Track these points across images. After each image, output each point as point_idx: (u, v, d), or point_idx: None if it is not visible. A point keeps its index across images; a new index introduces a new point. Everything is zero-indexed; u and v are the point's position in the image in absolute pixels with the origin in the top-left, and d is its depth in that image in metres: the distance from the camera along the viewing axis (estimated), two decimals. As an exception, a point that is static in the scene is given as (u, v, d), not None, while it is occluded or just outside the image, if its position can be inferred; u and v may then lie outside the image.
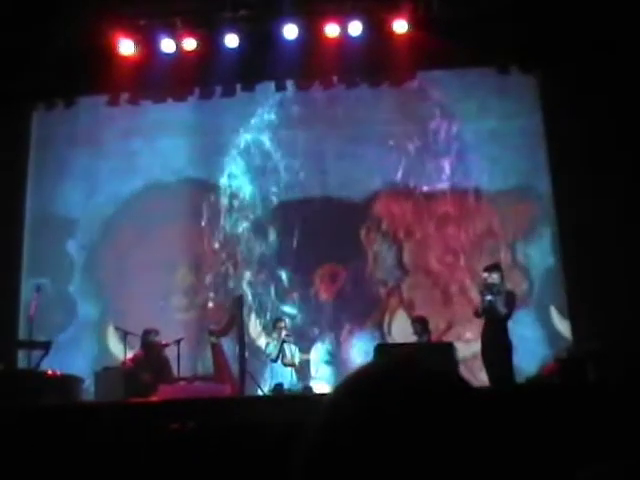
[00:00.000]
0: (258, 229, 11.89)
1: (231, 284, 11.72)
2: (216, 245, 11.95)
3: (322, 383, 10.41)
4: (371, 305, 11.47)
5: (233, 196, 12.08)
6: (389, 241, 11.69)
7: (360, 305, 11.45)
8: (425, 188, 11.78)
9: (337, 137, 12.06)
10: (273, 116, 12.31)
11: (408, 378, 0.97)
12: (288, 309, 11.32)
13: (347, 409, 0.95)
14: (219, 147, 12.28)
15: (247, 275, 11.75)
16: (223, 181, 12.17)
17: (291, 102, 12.35)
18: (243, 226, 11.94)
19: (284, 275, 11.67)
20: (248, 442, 6.08)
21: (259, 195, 12.04)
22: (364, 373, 1.00)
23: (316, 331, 11.35)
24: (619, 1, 10.72)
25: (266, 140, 12.22)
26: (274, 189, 11.99)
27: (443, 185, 11.78)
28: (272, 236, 11.80)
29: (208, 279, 11.81)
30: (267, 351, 10.14)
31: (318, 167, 11.99)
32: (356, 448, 0.91)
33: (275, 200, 11.98)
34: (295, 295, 11.59)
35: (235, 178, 12.15)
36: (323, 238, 11.60)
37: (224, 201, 12.08)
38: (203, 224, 11.99)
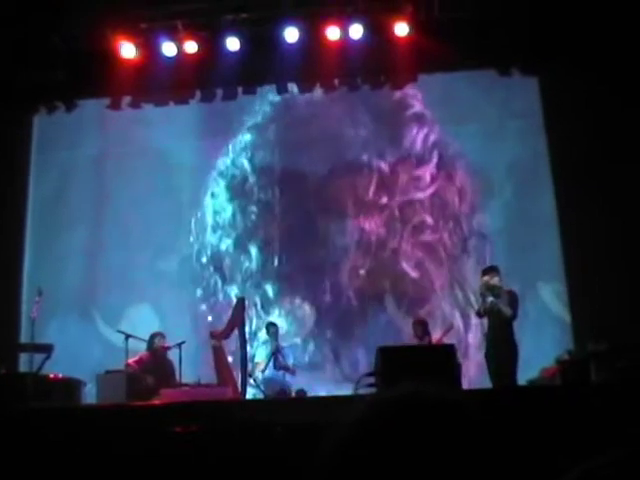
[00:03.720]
0: (240, 245, 12.12)
1: (220, 296, 11.91)
2: (204, 260, 12.09)
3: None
4: (353, 314, 11.62)
5: (216, 213, 12.30)
6: (365, 250, 11.84)
7: (342, 314, 11.61)
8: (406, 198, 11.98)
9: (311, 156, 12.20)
10: (249, 137, 12.48)
11: (422, 405, 1.09)
12: (274, 320, 11.35)
13: (372, 427, 1.07)
14: (203, 166, 12.45)
15: (234, 289, 11.91)
16: (207, 200, 12.34)
17: (269, 121, 12.51)
18: (227, 242, 12.18)
19: (269, 288, 11.86)
20: (250, 445, 6.08)
21: (239, 213, 12.26)
22: (388, 398, 1.12)
23: (299, 340, 11.54)
24: (619, 1, 10.74)
25: (245, 161, 12.40)
26: (253, 208, 12.19)
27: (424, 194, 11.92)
28: (254, 251, 12.03)
29: (198, 292, 11.96)
30: (256, 360, 10.21)
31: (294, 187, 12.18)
32: (377, 457, 1.03)
33: (254, 217, 12.19)
34: (280, 307, 11.78)
35: (217, 197, 12.35)
36: (305, 252, 11.86)
37: (209, 219, 12.28)
38: (191, 239, 12.18)
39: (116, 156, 12.41)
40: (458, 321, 11.28)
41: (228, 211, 12.31)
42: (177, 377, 9.54)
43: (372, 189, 12.03)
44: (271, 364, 9.94)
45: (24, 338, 10.68)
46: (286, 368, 10.09)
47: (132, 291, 11.84)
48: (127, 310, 11.64)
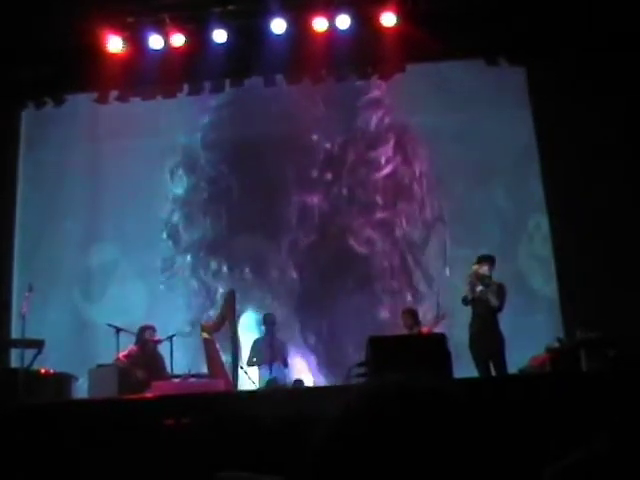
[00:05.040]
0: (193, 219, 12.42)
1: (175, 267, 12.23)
2: (164, 235, 12.34)
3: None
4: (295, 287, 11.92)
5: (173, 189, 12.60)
6: (308, 226, 12.13)
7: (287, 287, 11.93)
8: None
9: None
10: (206, 119, 12.64)
11: (409, 394, 1.12)
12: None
13: (361, 416, 1.12)
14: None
15: (188, 259, 12.22)
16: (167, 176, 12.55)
17: (226, 102, 12.65)
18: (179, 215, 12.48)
19: (217, 261, 12.19)
20: (242, 437, 6.09)
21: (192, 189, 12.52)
22: (374, 388, 1.17)
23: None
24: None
25: (197, 141, 12.62)
26: (203, 184, 12.50)
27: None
28: (205, 225, 12.38)
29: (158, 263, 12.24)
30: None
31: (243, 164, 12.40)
32: (365, 441, 1.08)
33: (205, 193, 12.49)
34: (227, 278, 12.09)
35: (174, 174, 12.59)
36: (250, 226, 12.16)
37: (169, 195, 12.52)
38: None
39: (105, 149, 12.41)
40: (410, 302, 11.48)
41: (182, 187, 12.54)
42: (167, 370, 9.56)
43: (318, 167, 12.26)
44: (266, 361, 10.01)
45: (15, 334, 10.67)
46: (284, 362, 10.20)
47: (121, 281, 11.91)
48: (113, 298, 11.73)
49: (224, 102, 12.59)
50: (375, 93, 12.41)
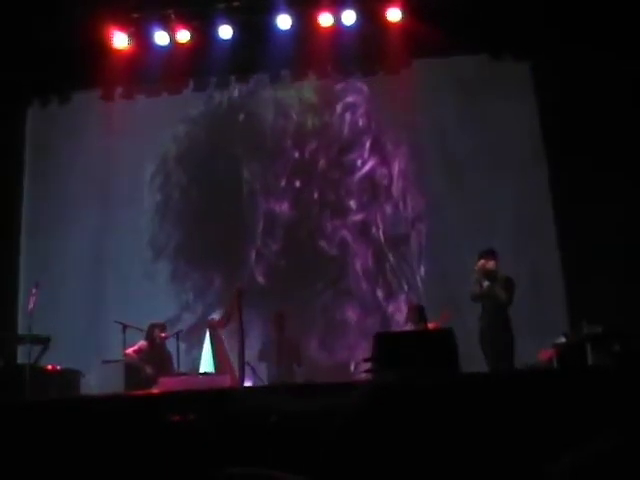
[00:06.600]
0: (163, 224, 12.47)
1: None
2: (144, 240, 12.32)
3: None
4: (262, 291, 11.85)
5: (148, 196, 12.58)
6: (276, 231, 12.16)
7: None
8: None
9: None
10: (181, 127, 12.64)
11: (413, 393, 1.19)
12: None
13: (368, 413, 1.19)
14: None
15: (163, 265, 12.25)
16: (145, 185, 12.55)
17: (197, 104, 12.69)
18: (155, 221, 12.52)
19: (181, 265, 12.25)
20: (248, 433, 6.10)
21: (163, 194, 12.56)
22: (378, 386, 1.26)
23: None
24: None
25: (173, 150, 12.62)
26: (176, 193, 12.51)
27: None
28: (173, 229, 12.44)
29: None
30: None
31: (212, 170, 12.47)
32: (371, 429, 1.15)
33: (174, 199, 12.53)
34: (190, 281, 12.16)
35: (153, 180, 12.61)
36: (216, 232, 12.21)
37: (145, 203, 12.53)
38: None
39: (110, 147, 12.42)
40: (381, 302, 11.65)
41: (155, 193, 12.54)
42: (175, 367, 9.58)
43: (287, 173, 12.26)
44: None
45: (22, 330, 10.69)
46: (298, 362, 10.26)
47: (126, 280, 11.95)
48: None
49: (202, 112, 12.64)
50: (351, 98, 12.39)
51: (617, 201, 10.42)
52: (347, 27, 11.62)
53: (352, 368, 11.12)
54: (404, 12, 11.45)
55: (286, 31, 11.67)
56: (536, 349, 8.92)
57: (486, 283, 8.85)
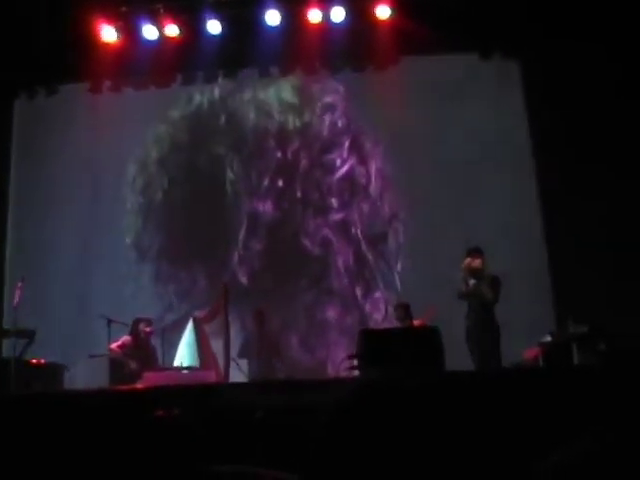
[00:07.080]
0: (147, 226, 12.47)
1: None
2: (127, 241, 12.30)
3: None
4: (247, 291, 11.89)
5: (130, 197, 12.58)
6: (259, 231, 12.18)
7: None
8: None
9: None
10: (162, 128, 12.63)
11: (398, 392, 1.20)
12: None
13: (354, 411, 1.21)
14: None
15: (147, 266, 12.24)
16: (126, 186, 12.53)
17: (179, 105, 12.69)
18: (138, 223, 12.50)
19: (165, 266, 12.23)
20: (233, 428, 6.09)
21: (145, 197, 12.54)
22: (364, 383, 1.28)
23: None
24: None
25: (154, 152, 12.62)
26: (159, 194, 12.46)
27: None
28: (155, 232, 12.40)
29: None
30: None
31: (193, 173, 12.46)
32: (358, 427, 1.17)
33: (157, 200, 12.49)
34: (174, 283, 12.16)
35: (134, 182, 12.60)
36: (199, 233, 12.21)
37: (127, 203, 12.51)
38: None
39: (98, 139, 12.37)
40: (359, 300, 11.75)
41: (137, 195, 12.51)
42: (160, 362, 9.56)
43: (270, 172, 12.27)
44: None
45: (7, 325, 10.65)
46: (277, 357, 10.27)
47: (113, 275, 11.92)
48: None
49: (183, 113, 12.63)
50: (329, 98, 12.43)
51: (605, 198, 10.45)
52: (336, 24, 11.61)
53: (329, 367, 11.19)
54: (393, 9, 11.46)
55: (275, 27, 11.66)
56: (522, 348, 8.93)
57: (472, 281, 8.84)
